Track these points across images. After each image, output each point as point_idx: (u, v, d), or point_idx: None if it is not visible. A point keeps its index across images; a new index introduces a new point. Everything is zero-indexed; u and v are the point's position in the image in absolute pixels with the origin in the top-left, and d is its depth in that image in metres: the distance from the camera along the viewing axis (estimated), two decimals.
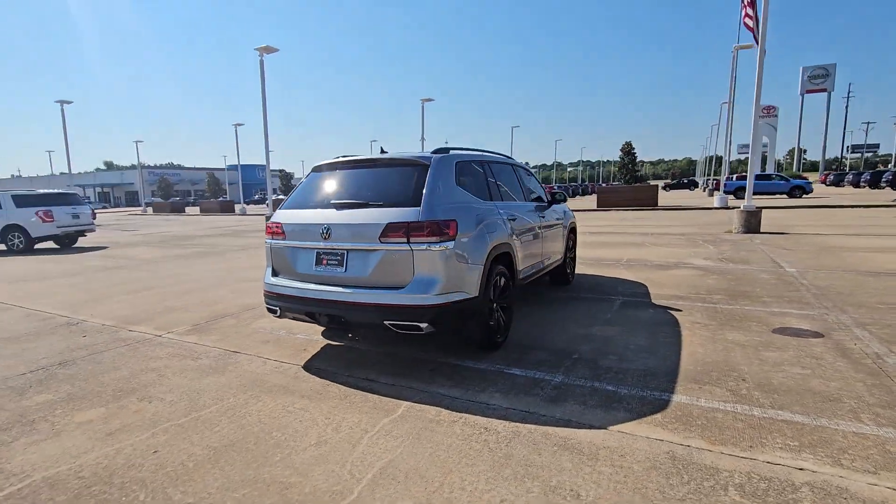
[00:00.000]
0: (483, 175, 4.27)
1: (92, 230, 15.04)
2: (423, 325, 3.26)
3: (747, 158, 15.31)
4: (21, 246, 13.06)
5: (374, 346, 4.20)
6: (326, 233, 3.52)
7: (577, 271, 7.50)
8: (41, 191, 14.26)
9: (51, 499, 2.17)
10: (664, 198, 35.86)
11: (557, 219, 5.90)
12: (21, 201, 13.35)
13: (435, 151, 3.83)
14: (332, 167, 3.97)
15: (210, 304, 6.03)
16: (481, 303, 3.60)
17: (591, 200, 32.61)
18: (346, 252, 3.48)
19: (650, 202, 24.89)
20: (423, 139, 31.35)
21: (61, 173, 78.65)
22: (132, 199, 70.13)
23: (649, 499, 2.05)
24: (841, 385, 3.12)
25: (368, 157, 3.93)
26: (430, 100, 30.28)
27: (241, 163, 44.43)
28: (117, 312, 5.68)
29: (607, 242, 11.18)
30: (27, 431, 2.82)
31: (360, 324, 3.58)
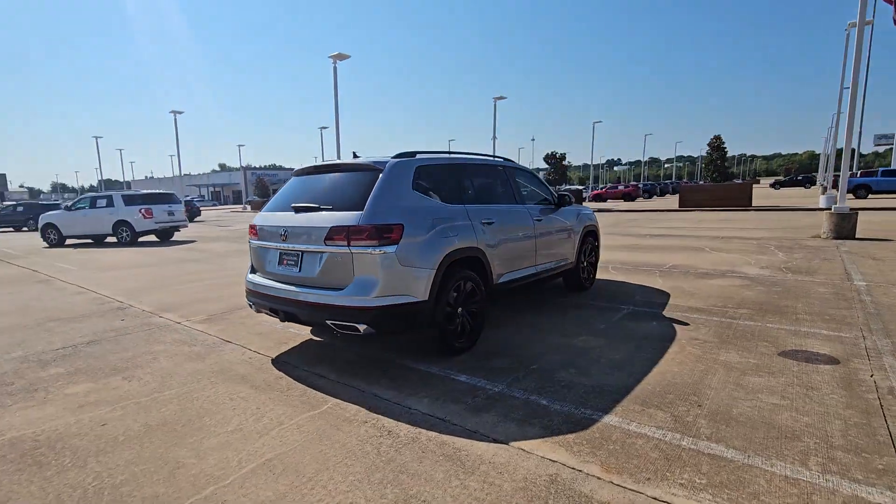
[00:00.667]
0: (454, 179, 4.24)
1: (185, 226, 17.02)
2: (361, 326, 3.35)
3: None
4: (128, 239, 15.16)
5: (349, 345, 4.36)
6: (284, 235, 3.75)
7: (607, 277, 7.12)
8: (144, 191, 16.42)
9: (3, 455, 2.59)
10: (768, 197, 32.31)
11: (566, 222, 5.65)
12: (128, 200, 15.50)
13: (396, 156, 3.89)
14: (305, 172, 4.20)
15: (239, 295, 6.61)
16: (433, 307, 3.60)
17: (675, 200, 30.34)
18: (301, 253, 3.68)
19: (741, 202, 22.58)
20: (494, 138, 31.23)
21: (185, 174, 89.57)
22: (238, 198, 77.68)
23: None
24: (814, 421, 2.69)
25: (334, 162, 4.08)
26: (502, 98, 30.05)
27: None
28: (161, 300, 6.45)
29: (661, 246, 10.38)
30: (26, 398, 3.36)
31: (310, 322, 3.76)
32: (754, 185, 27.90)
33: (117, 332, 4.95)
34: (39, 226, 16.12)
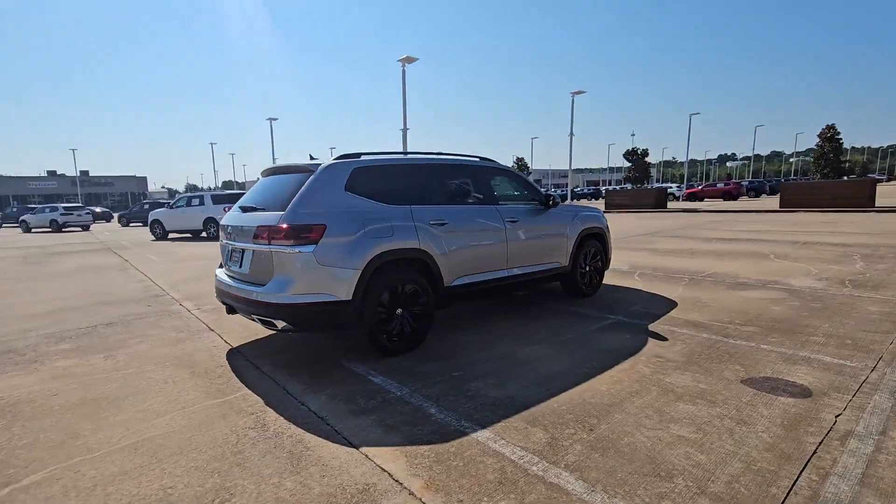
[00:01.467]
0: (401, 180, 4.21)
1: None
2: (279, 322, 3.50)
3: None
4: (214, 234, 17.02)
5: (309, 340, 4.54)
6: (231, 233, 4.03)
7: (624, 284, 6.62)
8: (228, 191, 18.30)
9: None
10: None
11: (554, 224, 5.34)
12: (216, 200, 17.39)
13: (338, 157, 3.98)
14: (267, 172, 4.45)
15: None
16: (359, 307, 3.64)
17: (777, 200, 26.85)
18: (242, 251, 3.92)
19: (859, 201, 19.38)
20: (571, 134, 30.02)
21: None
22: None
23: None
24: (708, 461, 2.31)
25: (286, 164, 4.28)
26: (580, 92, 28.72)
27: None
28: (192, 290, 7.19)
29: (719, 252, 9.32)
30: (23, 368, 3.98)
31: (245, 315, 3.97)
32: (885, 183, 23.70)
33: (135, 317, 5.64)
34: (148, 221, 18.73)
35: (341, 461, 2.42)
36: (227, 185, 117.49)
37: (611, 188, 41.91)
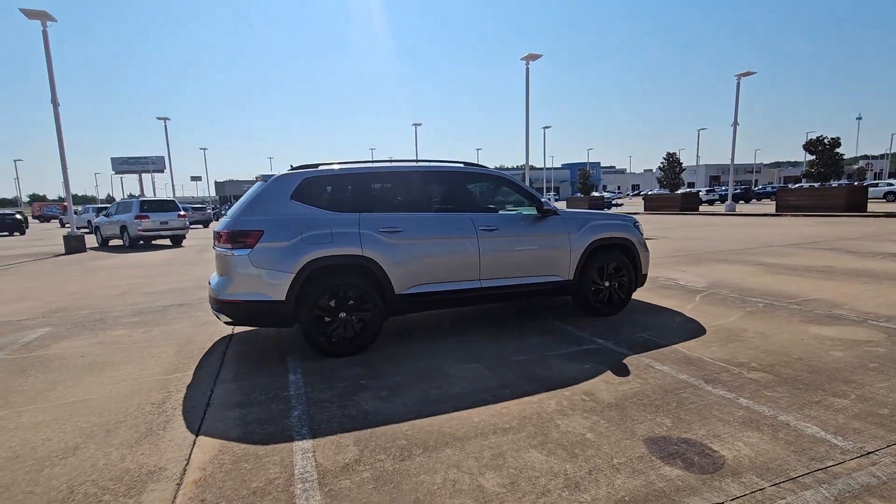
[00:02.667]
0: (354, 189, 4.31)
1: (184, 233, 19.61)
2: (222, 317, 3.96)
3: None
4: None
5: (295, 333, 4.97)
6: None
7: (673, 305, 5.67)
8: (153, 198, 19.58)
9: None
10: None
11: (551, 233, 4.86)
12: (135, 207, 19.16)
13: (295, 168, 4.29)
14: (256, 180, 4.98)
15: None
16: (292, 308, 3.91)
17: None
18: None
19: None
20: (735, 124, 25.73)
21: None
22: None
23: None
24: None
25: (265, 174, 4.72)
26: (748, 73, 24.28)
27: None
28: None
29: (858, 272, 7.19)
30: (91, 332, 5.21)
31: None
32: None
33: (182, 305, 6.76)
34: None
35: (172, 443, 2.72)
36: None
37: (793, 186, 34.49)
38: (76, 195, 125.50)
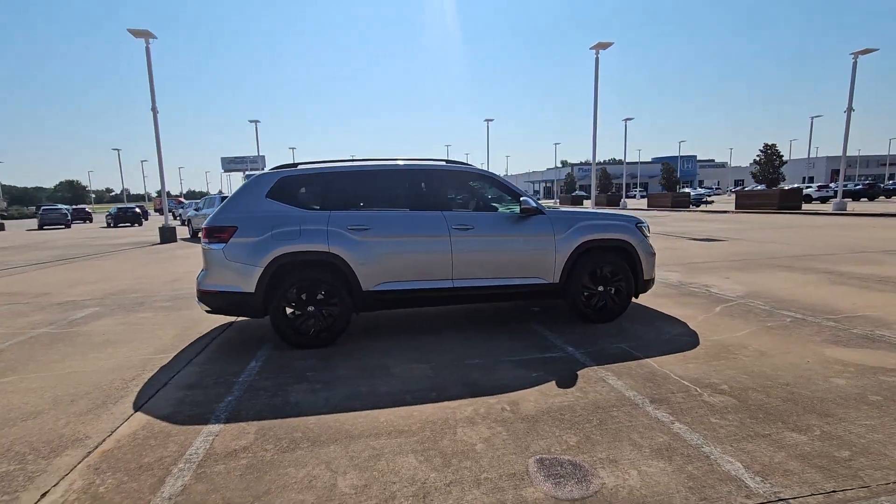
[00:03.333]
0: (328, 187, 4.43)
1: None
2: (203, 306, 4.31)
3: None
4: None
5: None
6: None
7: (684, 315, 5.21)
8: None
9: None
10: None
11: (532, 233, 4.64)
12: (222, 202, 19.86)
13: (275, 167, 4.53)
14: None
15: None
16: (261, 300, 4.15)
17: None
18: None
19: None
20: (849, 109, 22.42)
21: (532, 171, 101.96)
22: (570, 191, 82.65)
23: None
24: None
25: (248, 174, 5.01)
26: (869, 51, 20.87)
27: (625, 158, 44.42)
28: None
29: None
30: (124, 314, 5.91)
31: None
32: None
33: None
34: None
35: (112, 416, 3.04)
36: None
37: None
38: (193, 191, 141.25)
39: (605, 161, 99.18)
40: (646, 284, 5.01)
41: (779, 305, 5.34)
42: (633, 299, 5.56)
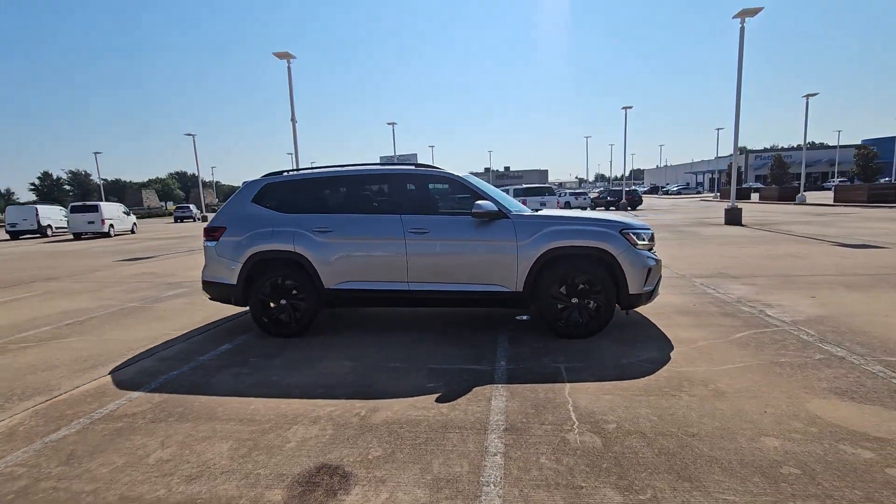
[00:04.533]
0: (301, 193, 4.82)
1: None
2: (205, 294, 5.10)
3: None
4: None
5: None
6: None
7: (687, 338, 4.50)
8: (527, 185, 20.16)
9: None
10: None
11: (493, 240, 4.43)
12: (515, 193, 19.70)
13: (265, 175, 5.10)
14: None
15: None
16: (242, 291, 4.78)
17: None
18: None
19: None
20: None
21: (696, 161, 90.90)
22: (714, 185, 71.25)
23: None
24: None
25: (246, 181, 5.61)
26: None
27: (805, 141, 35.73)
28: None
29: None
30: (173, 298, 7.24)
31: None
32: None
33: None
34: None
35: (89, 375, 3.91)
36: (637, 174, 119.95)
37: None
38: None
39: (788, 147, 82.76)
40: (634, 299, 4.38)
41: (831, 337, 4.16)
42: (625, 313, 4.94)
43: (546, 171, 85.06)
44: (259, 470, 2.45)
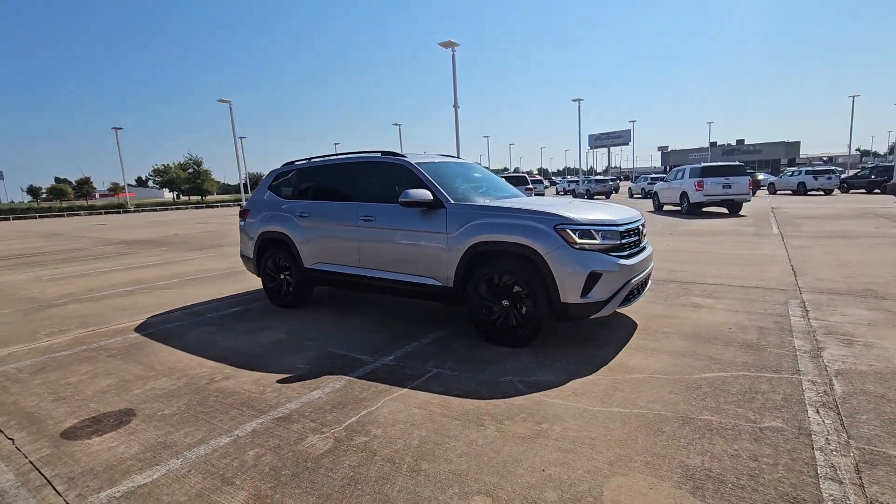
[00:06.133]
0: (298, 180, 5.37)
1: (746, 200, 15.83)
2: (244, 263, 6.18)
3: None
4: (686, 209, 16.49)
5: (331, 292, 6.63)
6: None
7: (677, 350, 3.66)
8: (713, 164, 16.53)
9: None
10: None
11: (424, 230, 4.22)
12: (692, 173, 16.45)
13: (283, 164, 5.84)
14: None
15: None
16: (257, 264, 5.69)
17: None
18: None
19: None
20: None
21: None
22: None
23: None
24: None
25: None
26: None
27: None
28: None
29: None
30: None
31: None
32: None
33: None
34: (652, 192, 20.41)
35: (123, 323, 5.30)
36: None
37: None
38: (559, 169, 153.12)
39: None
40: (572, 308, 3.61)
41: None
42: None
43: (797, 142, 67.39)
44: (94, 401, 3.12)
